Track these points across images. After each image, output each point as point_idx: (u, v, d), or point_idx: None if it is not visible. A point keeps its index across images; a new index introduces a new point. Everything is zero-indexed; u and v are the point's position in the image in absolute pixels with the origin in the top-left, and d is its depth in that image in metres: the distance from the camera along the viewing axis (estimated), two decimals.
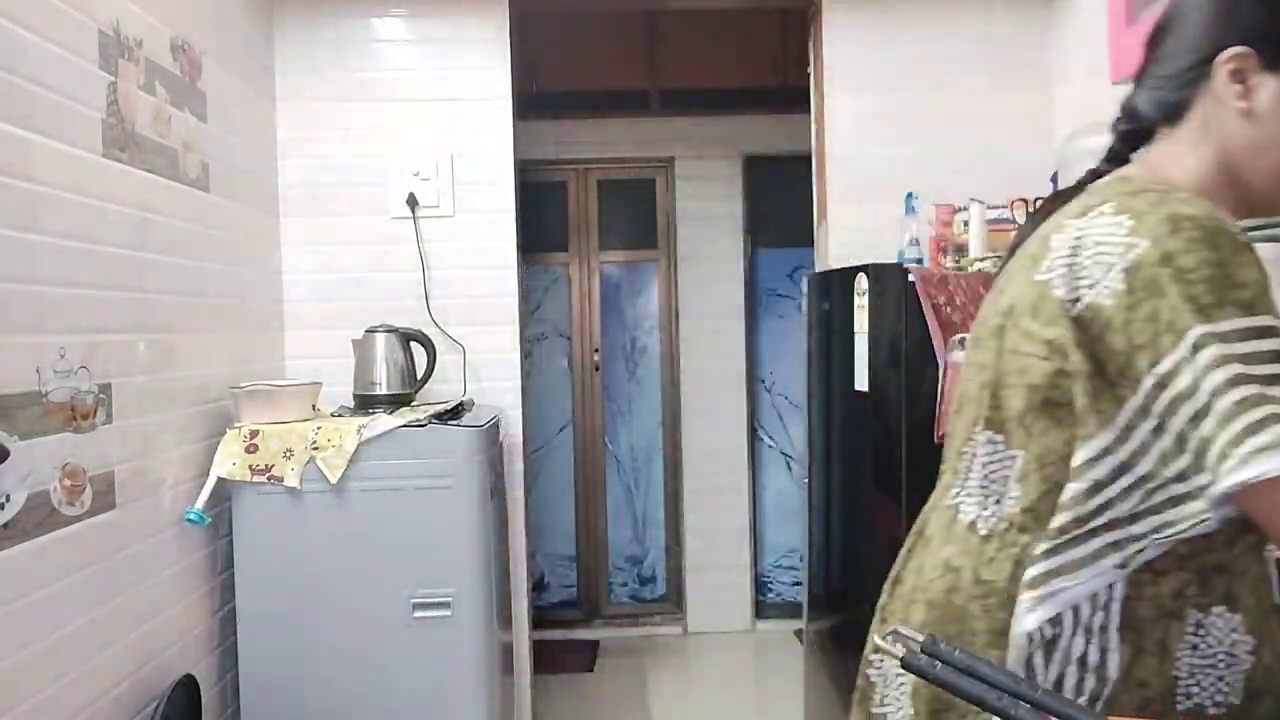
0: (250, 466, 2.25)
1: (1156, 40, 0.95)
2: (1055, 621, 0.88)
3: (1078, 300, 0.86)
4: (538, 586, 4.36)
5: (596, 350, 4.41)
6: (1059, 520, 0.89)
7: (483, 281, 2.90)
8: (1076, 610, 0.88)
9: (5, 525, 1.53)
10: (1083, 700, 0.89)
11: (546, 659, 3.82)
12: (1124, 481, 0.86)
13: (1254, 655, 0.86)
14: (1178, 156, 0.92)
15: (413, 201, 2.86)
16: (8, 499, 1.54)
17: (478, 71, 2.90)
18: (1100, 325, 0.84)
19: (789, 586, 4.38)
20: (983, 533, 0.97)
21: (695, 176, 4.34)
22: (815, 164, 3.06)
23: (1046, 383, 0.89)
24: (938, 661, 0.85)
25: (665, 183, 4.38)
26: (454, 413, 2.52)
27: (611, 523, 4.44)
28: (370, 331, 2.63)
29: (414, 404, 2.64)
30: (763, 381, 4.39)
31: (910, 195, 2.69)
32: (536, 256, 4.31)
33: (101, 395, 1.83)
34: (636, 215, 4.42)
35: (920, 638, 0.89)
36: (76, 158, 1.78)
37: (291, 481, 2.25)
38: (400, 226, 2.88)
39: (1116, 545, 0.87)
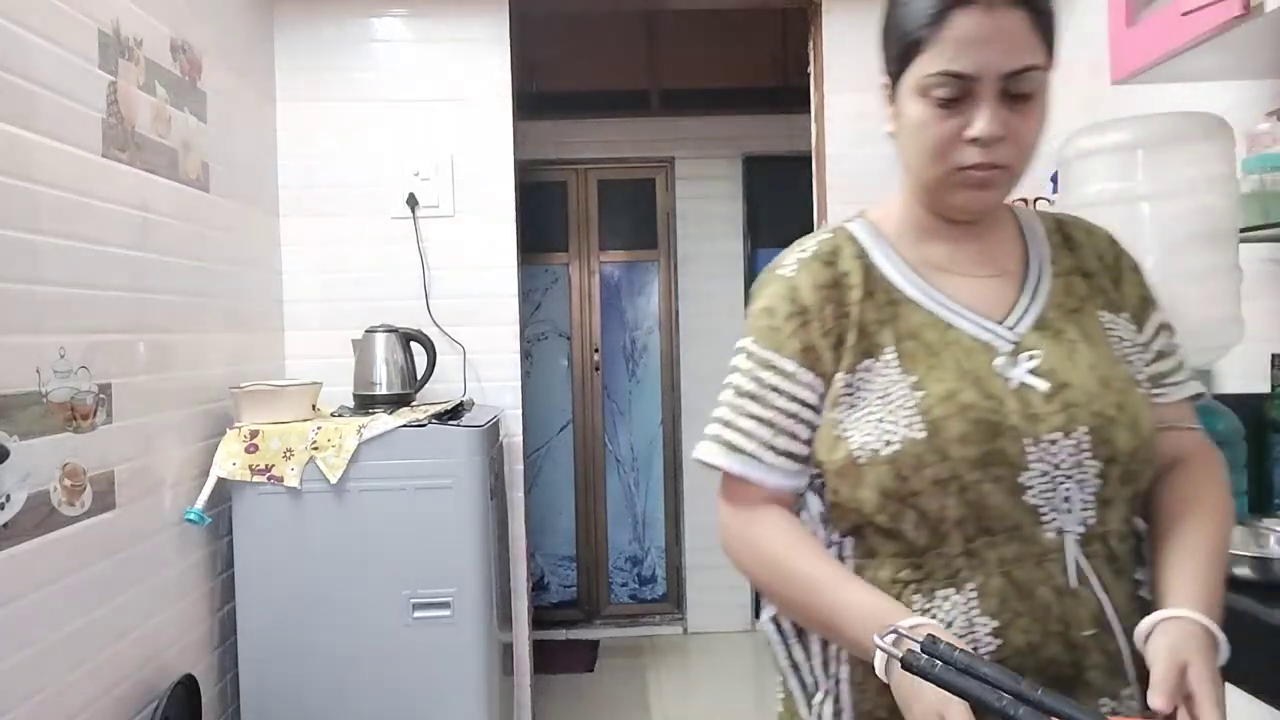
0: (250, 466, 2.25)
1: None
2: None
3: None
4: (538, 586, 4.36)
5: (596, 350, 4.41)
6: None
7: (483, 281, 2.90)
8: None
9: (5, 525, 1.53)
10: (832, 678, 1.00)
11: (546, 659, 3.82)
12: None
13: (999, 637, 0.93)
14: (897, 190, 1.10)
15: (413, 201, 2.86)
16: (8, 499, 1.54)
17: (478, 71, 2.89)
18: None
19: None
20: None
21: (695, 176, 4.34)
22: (815, 164, 3.05)
23: None
24: (938, 661, 0.85)
25: (665, 183, 4.38)
26: (454, 413, 2.52)
27: (611, 523, 4.44)
28: (370, 331, 2.63)
29: (414, 404, 2.64)
30: None
31: None
32: (536, 256, 4.31)
33: (101, 395, 1.83)
34: (636, 215, 4.42)
35: (919, 638, 0.89)
36: (76, 158, 1.78)
37: (291, 481, 2.25)
38: (400, 226, 2.88)
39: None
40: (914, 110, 0.97)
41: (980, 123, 0.94)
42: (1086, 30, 2.65)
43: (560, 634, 4.30)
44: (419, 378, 2.68)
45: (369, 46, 2.89)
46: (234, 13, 2.56)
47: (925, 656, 0.86)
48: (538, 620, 3.86)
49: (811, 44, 3.05)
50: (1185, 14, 1.54)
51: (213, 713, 2.28)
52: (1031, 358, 0.97)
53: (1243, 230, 1.55)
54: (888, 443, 0.94)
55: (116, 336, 1.90)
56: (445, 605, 2.30)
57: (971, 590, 0.94)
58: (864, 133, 2.89)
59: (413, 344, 2.67)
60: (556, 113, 4.21)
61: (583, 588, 4.43)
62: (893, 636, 0.88)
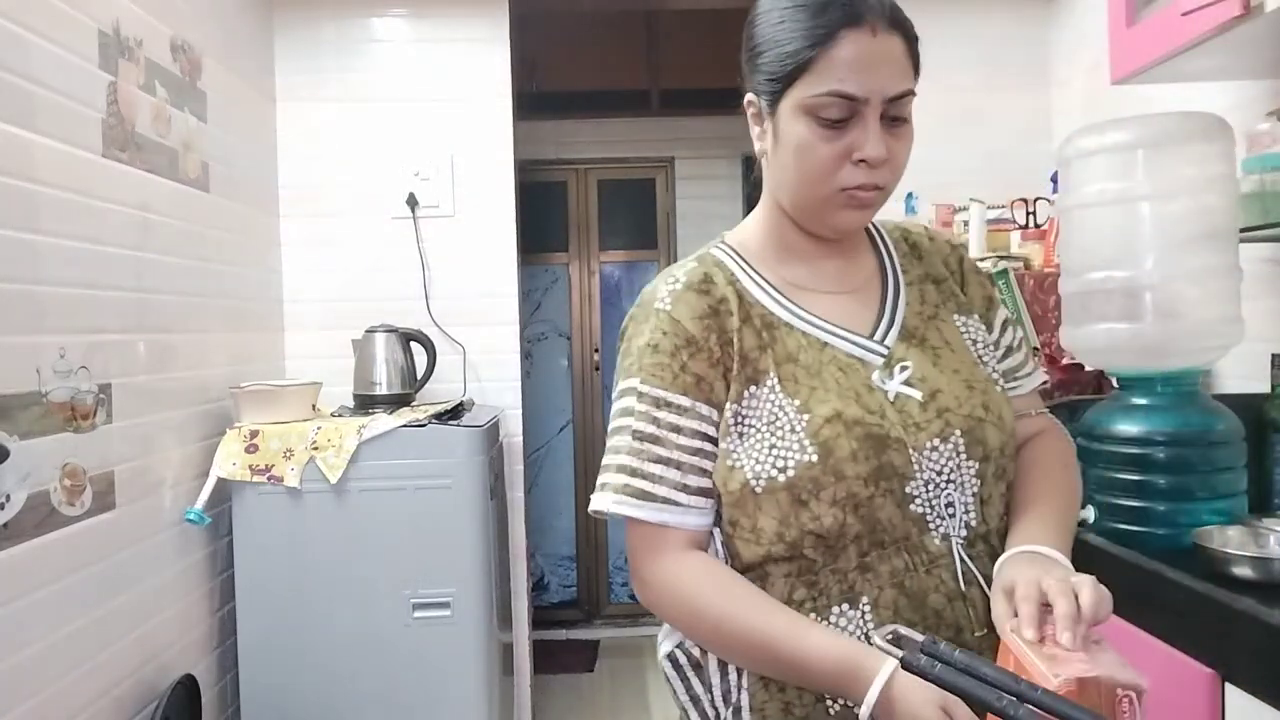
0: (250, 466, 2.25)
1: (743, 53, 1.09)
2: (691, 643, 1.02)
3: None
4: (538, 586, 4.36)
5: (596, 350, 4.41)
6: None
7: (483, 281, 2.90)
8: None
9: (5, 525, 1.53)
10: (731, 708, 0.99)
11: (546, 659, 3.83)
12: None
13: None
14: (756, 212, 1.11)
15: (413, 201, 2.86)
16: (8, 499, 1.54)
17: (478, 71, 2.89)
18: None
19: None
20: None
21: (695, 176, 4.34)
22: None
23: None
24: (937, 662, 0.85)
25: (665, 183, 4.38)
26: (454, 413, 2.52)
27: (611, 523, 4.39)
28: (370, 331, 2.63)
29: (414, 404, 2.64)
30: None
31: (910, 195, 2.69)
32: (536, 256, 4.31)
33: (101, 395, 1.83)
34: (636, 215, 4.42)
35: (920, 638, 0.90)
36: (76, 158, 1.78)
37: (291, 481, 2.25)
38: (400, 226, 2.88)
39: None
40: (797, 130, 0.97)
41: (870, 145, 0.94)
42: (1086, 30, 2.66)
43: (560, 634, 4.30)
44: (419, 378, 2.68)
45: (369, 46, 2.89)
46: (234, 13, 2.56)
47: (925, 657, 0.86)
48: (538, 620, 3.86)
49: None
50: (1185, 14, 1.54)
51: (213, 713, 2.28)
52: (904, 368, 1.00)
53: (1243, 230, 1.55)
54: (781, 469, 0.94)
55: (116, 336, 1.90)
56: (445, 605, 2.30)
57: (866, 604, 0.95)
58: None
59: (413, 344, 2.67)
60: (556, 113, 4.21)
61: (583, 588, 4.43)
62: (892, 635, 0.89)
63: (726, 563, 1.00)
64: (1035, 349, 2.07)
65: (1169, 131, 1.51)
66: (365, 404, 2.58)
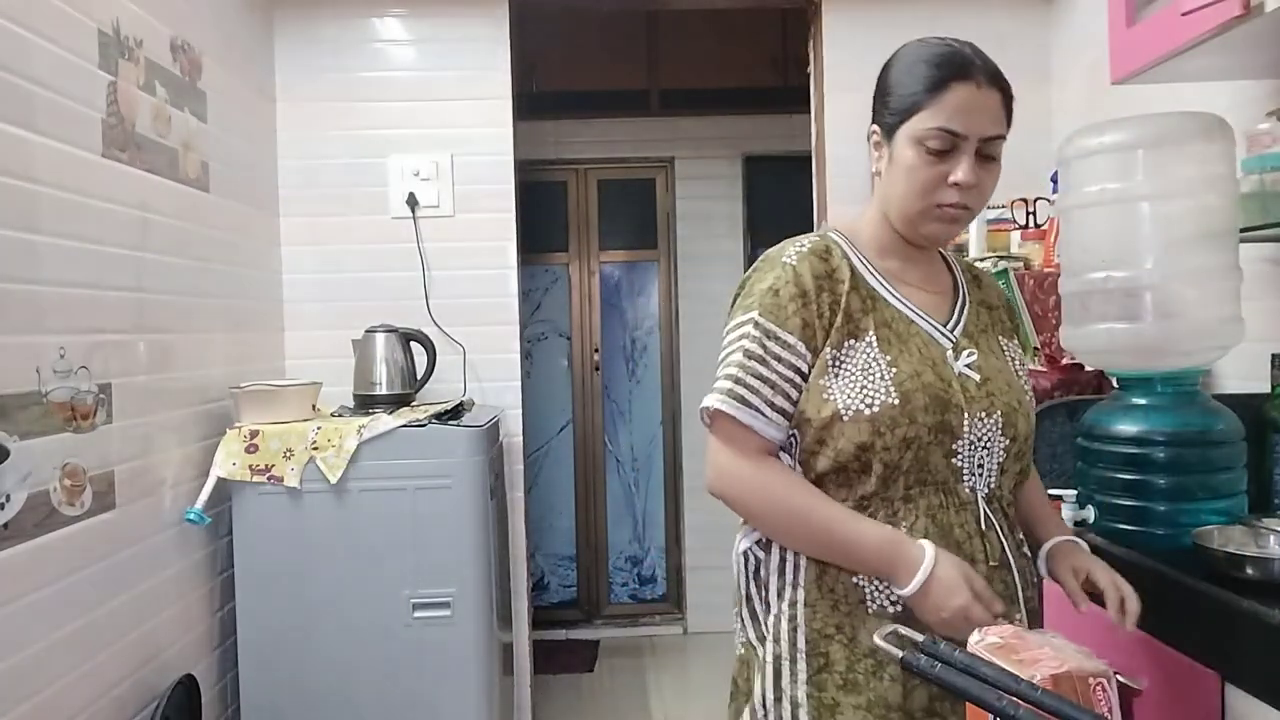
0: (250, 466, 2.25)
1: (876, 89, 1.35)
2: (762, 545, 1.26)
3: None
4: (538, 586, 4.36)
5: (596, 350, 4.41)
6: None
7: (483, 281, 2.90)
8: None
9: (5, 525, 1.53)
10: (787, 601, 1.22)
11: (546, 659, 3.83)
12: None
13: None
14: (862, 213, 1.34)
15: (413, 201, 2.86)
16: (8, 499, 1.54)
17: (478, 71, 2.89)
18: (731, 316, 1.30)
19: None
20: None
21: (695, 176, 4.34)
22: (815, 164, 3.05)
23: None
24: (937, 662, 0.85)
25: (665, 183, 4.38)
26: (454, 413, 2.52)
27: (611, 523, 4.44)
28: (370, 331, 2.63)
29: (414, 404, 2.64)
30: None
31: None
32: (536, 256, 4.31)
33: (101, 395, 1.83)
34: (636, 215, 4.41)
35: (920, 637, 0.90)
36: (76, 158, 1.78)
37: (291, 481, 2.25)
38: (400, 226, 2.88)
39: None
40: (908, 155, 1.21)
41: (962, 171, 1.19)
42: (1086, 30, 2.66)
43: (560, 634, 4.30)
44: (419, 378, 2.67)
45: (369, 46, 2.89)
46: (234, 13, 2.56)
47: (925, 657, 0.86)
48: (538, 620, 3.86)
49: (811, 44, 3.05)
50: (1185, 14, 1.54)
51: (213, 713, 2.28)
52: (970, 355, 1.26)
53: (1243, 230, 1.55)
54: (869, 404, 1.18)
55: (116, 336, 1.90)
56: (445, 605, 2.30)
57: (905, 529, 1.18)
58: (864, 133, 2.88)
59: (413, 344, 2.67)
60: (556, 113, 4.21)
61: (583, 588, 4.43)
62: (891, 635, 0.89)
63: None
64: (1035, 349, 2.07)
65: (1169, 131, 1.51)
66: (365, 404, 2.58)
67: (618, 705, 3.55)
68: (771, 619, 1.24)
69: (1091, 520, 1.58)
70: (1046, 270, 2.17)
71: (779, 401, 1.20)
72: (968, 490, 1.22)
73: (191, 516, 2.15)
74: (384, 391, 2.59)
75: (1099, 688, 0.87)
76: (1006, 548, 1.23)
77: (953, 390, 1.21)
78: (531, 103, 3.86)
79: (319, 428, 2.30)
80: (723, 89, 4.28)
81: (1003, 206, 2.44)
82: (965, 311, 1.31)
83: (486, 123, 2.90)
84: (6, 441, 1.51)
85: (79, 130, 1.78)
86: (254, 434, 2.27)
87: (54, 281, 1.70)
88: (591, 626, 4.38)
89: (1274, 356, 1.68)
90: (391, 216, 2.88)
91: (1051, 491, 1.66)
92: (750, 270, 1.29)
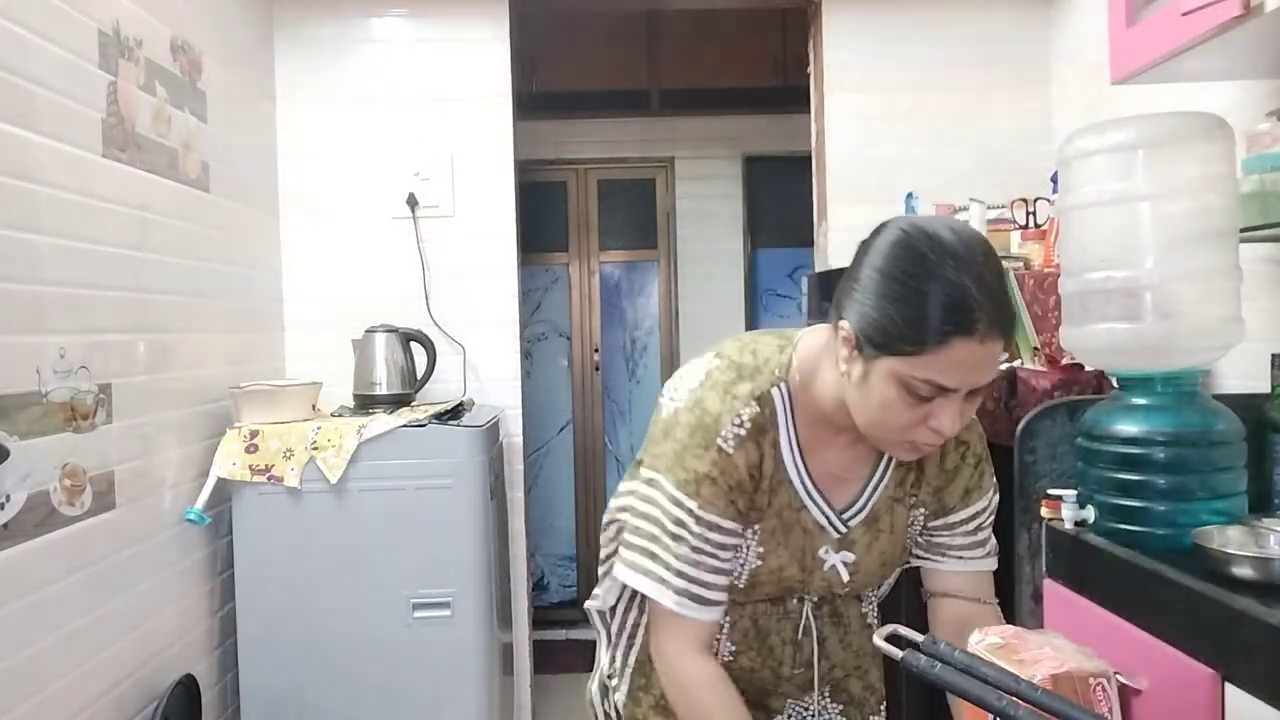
0: (250, 466, 2.25)
1: (851, 264, 1.11)
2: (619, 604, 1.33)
3: (663, 396, 1.22)
4: (538, 586, 4.36)
5: (596, 350, 4.41)
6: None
7: (483, 281, 2.90)
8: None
9: (5, 525, 1.53)
10: (624, 643, 1.32)
11: (546, 659, 3.82)
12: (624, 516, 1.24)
13: (734, 660, 1.26)
14: (830, 359, 1.13)
15: (413, 201, 2.86)
16: (8, 499, 1.54)
17: (478, 71, 2.89)
18: (656, 421, 1.21)
19: None
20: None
21: (695, 176, 4.34)
22: (815, 164, 3.05)
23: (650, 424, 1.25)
24: (937, 662, 0.85)
25: (665, 183, 4.38)
26: (454, 413, 2.52)
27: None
28: (370, 331, 2.63)
29: (414, 404, 2.64)
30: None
31: (910, 195, 2.69)
32: (536, 256, 4.31)
33: (101, 395, 1.83)
34: (636, 215, 4.41)
35: (920, 638, 0.90)
36: (76, 158, 1.78)
37: (291, 481, 2.25)
38: (400, 226, 2.88)
39: None
40: (886, 391, 1.04)
41: (947, 423, 1.04)
42: (1086, 30, 2.66)
43: (560, 634, 4.30)
44: (419, 378, 2.67)
45: (369, 46, 2.89)
46: (234, 13, 2.56)
47: (925, 657, 0.86)
48: (538, 620, 3.86)
49: (811, 44, 3.05)
50: (1185, 14, 1.54)
51: (213, 713, 2.28)
52: (849, 557, 1.21)
53: (1243, 230, 1.55)
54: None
55: (116, 336, 1.90)
56: (445, 605, 2.30)
57: (728, 624, 1.24)
58: (864, 133, 2.89)
59: (413, 344, 2.67)
60: (556, 113, 4.21)
61: (583, 588, 4.43)
62: (891, 635, 0.89)
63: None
64: (1035, 349, 2.07)
65: (1169, 131, 1.50)
66: (365, 404, 2.58)
67: None
68: (615, 629, 1.35)
69: (1091, 520, 1.58)
70: (1046, 270, 2.17)
71: (727, 581, 1.18)
72: (795, 601, 1.24)
73: (191, 516, 2.15)
74: (384, 391, 2.59)
75: (1099, 688, 0.87)
76: (818, 654, 1.26)
77: (809, 580, 1.21)
78: (531, 103, 3.86)
79: (319, 428, 2.30)
80: (723, 89, 4.28)
81: (1003, 206, 2.44)
82: (880, 485, 1.22)
83: (486, 123, 2.90)
84: (6, 441, 1.51)
85: (79, 130, 1.78)
86: (254, 434, 2.27)
87: (54, 281, 1.70)
88: (591, 626, 4.37)
89: (1274, 356, 1.68)
90: (391, 216, 2.88)
91: (1051, 491, 1.66)
92: (683, 410, 1.16)
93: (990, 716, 0.84)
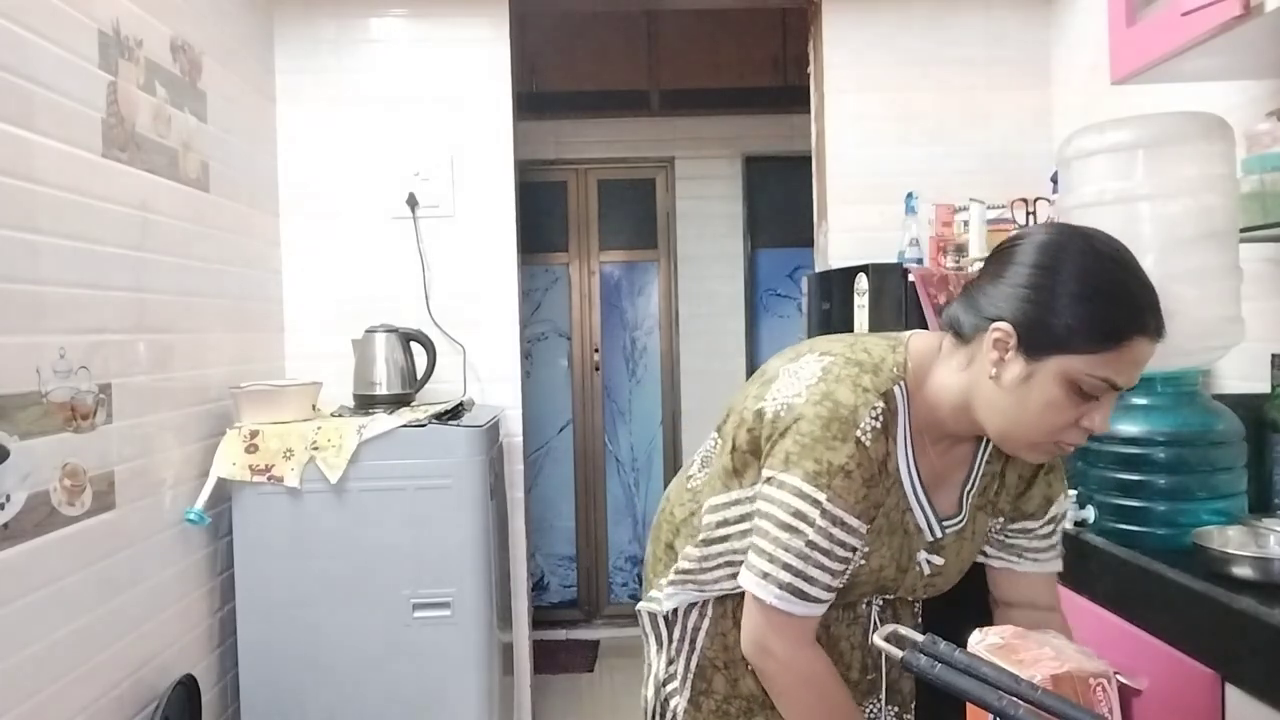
0: (250, 466, 2.25)
1: (994, 271, 1.11)
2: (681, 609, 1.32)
3: (762, 401, 1.18)
4: (538, 586, 4.36)
5: (596, 350, 4.41)
6: (692, 539, 1.27)
7: (483, 281, 2.90)
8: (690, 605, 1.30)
9: (5, 525, 1.53)
10: (686, 648, 1.31)
11: (546, 659, 3.82)
12: (742, 526, 1.20)
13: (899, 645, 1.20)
14: (946, 365, 1.14)
15: (413, 201, 2.86)
16: (8, 499, 1.54)
17: (478, 71, 2.89)
18: (761, 426, 1.16)
19: None
20: (690, 485, 1.33)
21: (695, 176, 4.34)
22: (815, 164, 3.05)
23: (735, 434, 1.21)
24: (937, 662, 0.85)
25: (665, 183, 4.37)
26: (454, 413, 2.52)
27: (611, 523, 4.44)
28: (370, 331, 2.63)
29: (414, 404, 2.64)
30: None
31: (910, 195, 2.69)
32: (536, 256, 4.31)
33: (101, 395, 1.83)
34: (636, 215, 4.41)
35: (920, 638, 0.90)
36: (76, 158, 1.78)
37: (291, 481, 2.25)
38: (400, 226, 2.88)
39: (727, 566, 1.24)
40: (1053, 391, 1.04)
41: (1100, 421, 1.06)
42: (1086, 30, 2.66)
43: (560, 634, 4.30)
44: (419, 378, 2.67)
45: (369, 47, 2.89)
46: (234, 13, 2.56)
47: (925, 657, 0.86)
48: (538, 620, 3.86)
49: (811, 44, 3.05)
50: (1185, 14, 1.54)
51: (213, 713, 2.28)
52: (938, 560, 1.22)
53: (1243, 230, 1.55)
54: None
55: (116, 336, 1.90)
56: (445, 605, 2.30)
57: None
58: (864, 133, 2.89)
59: (413, 344, 2.67)
60: (556, 113, 4.21)
61: (583, 588, 4.43)
62: (891, 635, 0.89)
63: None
64: None
65: (1169, 131, 1.51)
66: (365, 404, 2.58)
67: (618, 705, 3.54)
68: (676, 634, 1.33)
69: (1091, 520, 1.58)
70: None
71: (836, 581, 1.13)
72: (864, 605, 1.26)
73: (191, 516, 2.15)
74: (384, 391, 2.59)
75: (1099, 688, 0.87)
76: (885, 658, 1.26)
77: (902, 581, 1.22)
78: (531, 103, 3.87)
79: (319, 428, 2.30)
80: (723, 89, 4.28)
81: (1003, 206, 2.44)
82: (971, 492, 1.23)
83: (486, 123, 2.90)
84: (6, 441, 1.51)
85: (79, 130, 1.78)
86: (254, 434, 2.27)
87: (54, 281, 1.70)
88: (591, 626, 4.38)
89: (1274, 356, 1.68)
90: (391, 216, 2.88)
91: None
92: (811, 411, 1.12)
93: (990, 716, 0.84)
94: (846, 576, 1.14)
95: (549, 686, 3.61)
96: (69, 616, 1.71)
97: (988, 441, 1.21)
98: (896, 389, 1.14)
